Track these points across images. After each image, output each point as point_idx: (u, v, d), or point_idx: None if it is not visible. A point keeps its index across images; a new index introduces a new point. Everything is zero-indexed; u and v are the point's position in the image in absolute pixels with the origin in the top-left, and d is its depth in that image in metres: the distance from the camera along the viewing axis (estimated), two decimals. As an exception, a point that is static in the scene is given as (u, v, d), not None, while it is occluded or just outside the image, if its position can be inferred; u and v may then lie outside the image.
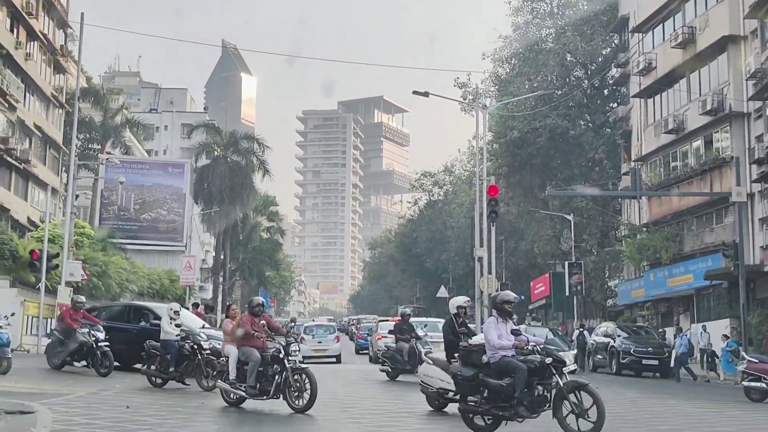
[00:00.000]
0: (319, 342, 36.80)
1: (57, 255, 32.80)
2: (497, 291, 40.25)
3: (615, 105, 56.81)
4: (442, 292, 63.73)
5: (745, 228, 35.25)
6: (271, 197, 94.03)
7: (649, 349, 33.10)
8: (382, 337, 30.41)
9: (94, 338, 21.05)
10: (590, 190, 49.33)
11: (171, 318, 19.74)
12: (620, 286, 52.89)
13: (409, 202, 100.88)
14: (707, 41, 39.52)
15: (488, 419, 12.10)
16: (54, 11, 53.39)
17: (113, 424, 13.06)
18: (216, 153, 67.83)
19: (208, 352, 18.90)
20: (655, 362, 32.66)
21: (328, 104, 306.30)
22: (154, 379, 19.61)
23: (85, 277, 35.24)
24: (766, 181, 35.96)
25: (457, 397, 12.91)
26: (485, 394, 11.92)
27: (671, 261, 43.27)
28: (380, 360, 24.53)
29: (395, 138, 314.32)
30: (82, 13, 35.02)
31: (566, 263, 53.39)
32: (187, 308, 29.12)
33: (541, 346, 11.88)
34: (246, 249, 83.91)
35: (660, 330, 41.73)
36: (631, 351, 32.83)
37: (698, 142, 41.41)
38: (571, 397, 11.42)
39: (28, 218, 51.04)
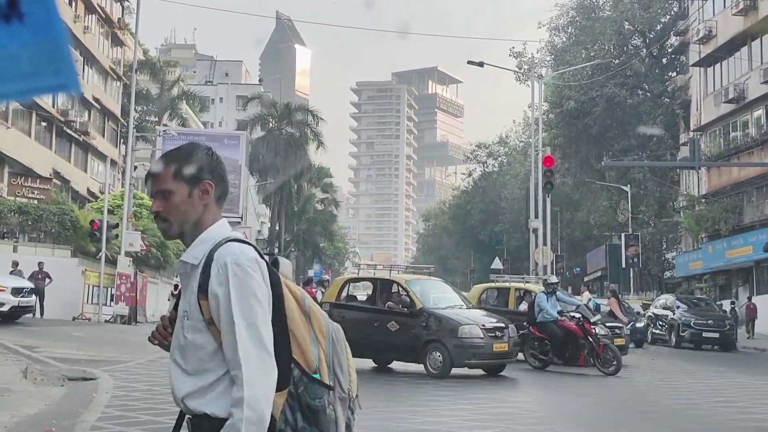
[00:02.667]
0: None
1: (116, 225, 33.37)
2: (552, 263, 40.06)
3: (674, 74, 55.82)
4: (497, 264, 63.49)
5: (808, 199, 34.53)
6: (325, 169, 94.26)
7: (710, 321, 32.57)
8: None
9: None
10: (648, 162, 48.64)
11: None
12: (678, 258, 52.22)
13: (463, 174, 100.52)
14: (770, 8, 38.58)
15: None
16: (111, -16, 53.97)
17: (172, 391, 13.30)
18: (270, 125, 68.21)
19: None
20: (716, 335, 32.15)
21: (383, 75, 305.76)
22: None
23: (144, 248, 35.81)
24: (830, 151, 35.14)
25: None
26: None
27: (730, 233, 42.58)
28: None
29: (449, 109, 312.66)
30: (139, -14, 35.36)
31: (623, 235, 52.80)
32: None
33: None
34: (301, 220, 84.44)
35: (717, 303, 41.16)
36: (691, 324, 32.30)
37: (759, 112, 40.56)
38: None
39: (88, 189, 51.94)
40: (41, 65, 1.60)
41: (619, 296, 32.46)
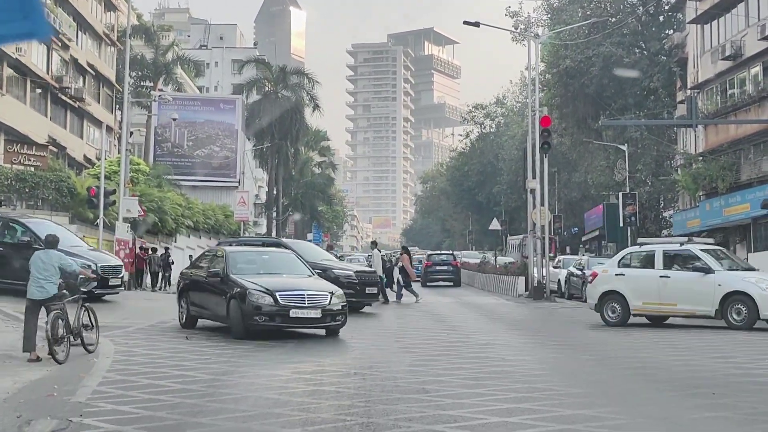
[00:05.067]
0: None
1: (114, 192, 33.34)
2: (550, 223, 40.13)
3: (671, 32, 55.49)
4: (495, 225, 63.64)
5: (805, 156, 34.50)
6: (322, 132, 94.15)
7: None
8: None
9: None
10: (645, 121, 48.52)
11: None
12: (675, 216, 52.30)
13: (461, 135, 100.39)
14: (767, -37, 38.28)
15: None
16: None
17: (173, 354, 13.41)
18: (266, 89, 67.98)
19: None
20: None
21: (378, 37, 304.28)
22: None
23: (142, 213, 35.82)
24: (828, 107, 35.06)
25: None
26: None
27: (728, 190, 42.61)
28: None
29: (446, 70, 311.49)
30: (131, -50, 35.02)
31: (620, 194, 52.83)
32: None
33: None
34: (298, 184, 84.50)
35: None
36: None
37: (756, 69, 40.40)
38: None
39: (84, 156, 51.88)
40: (8, 12, 1.61)
41: (410, 252, 33.88)
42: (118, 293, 23.68)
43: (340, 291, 16.73)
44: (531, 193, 37.29)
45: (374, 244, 34.42)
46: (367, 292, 23.50)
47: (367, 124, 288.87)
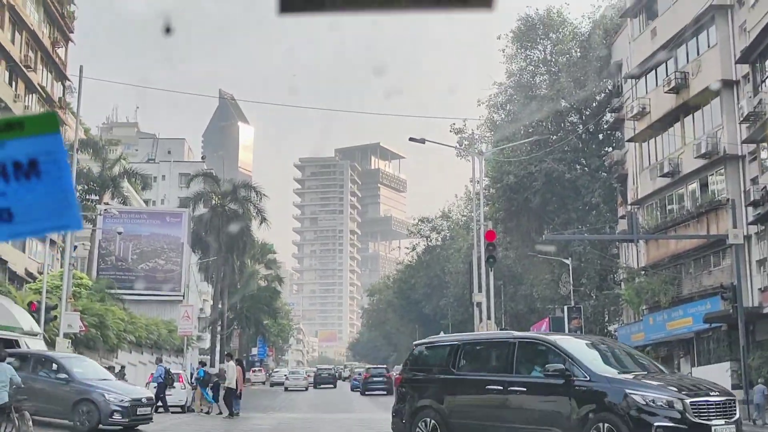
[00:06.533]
0: None
1: (55, 306, 32.78)
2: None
3: (610, 149, 57.11)
4: (442, 339, 63.46)
5: (743, 270, 35.24)
6: (268, 245, 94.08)
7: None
8: None
9: None
10: (587, 235, 49.42)
11: None
12: (620, 330, 52.70)
13: (407, 248, 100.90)
14: (700, 86, 39.88)
15: None
16: (52, 64, 53.90)
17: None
18: (214, 202, 68.03)
19: None
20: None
21: (326, 151, 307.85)
22: None
23: (83, 329, 35.16)
24: (762, 222, 36.06)
25: None
26: None
27: (670, 304, 43.19)
28: None
29: (392, 184, 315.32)
30: (81, 66, 35.43)
31: (565, 307, 53.27)
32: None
33: None
34: (244, 298, 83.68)
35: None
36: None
37: (694, 185, 41.59)
38: None
39: (26, 270, 50.98)
40: (50, 210, 1.96)
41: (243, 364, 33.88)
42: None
43: None
44: (477, 306, 37.47)
45: (229, 356, 34.18)
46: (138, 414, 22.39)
47: (314, 236, 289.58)
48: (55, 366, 22.31)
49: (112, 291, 53.35)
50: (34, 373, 21.62)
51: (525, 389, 13.37)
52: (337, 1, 1.81)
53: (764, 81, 35.34)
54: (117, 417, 21.14)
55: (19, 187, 1.94)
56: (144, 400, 22.66)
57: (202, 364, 38.25)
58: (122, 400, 21.41)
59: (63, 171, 1.98)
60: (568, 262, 52.57)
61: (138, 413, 21.92)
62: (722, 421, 12.26)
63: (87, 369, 23.15)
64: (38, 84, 51.27)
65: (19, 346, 25.12)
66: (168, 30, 26.16)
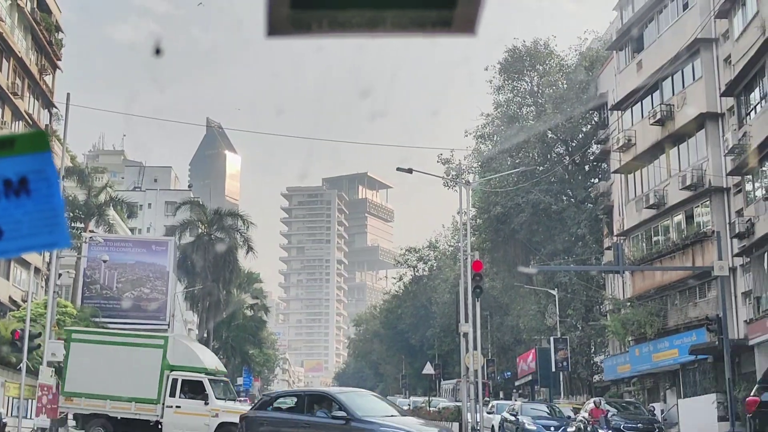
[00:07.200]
0: None
1: (39, 335, 32.52)
2: (483, 367, 40.10)
3: (596, 180, 57.44)
4: (428, 369, 63.26)
5: (729, 302, 35.37)
6: (255, 274, 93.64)
7: (639, 425, 32.85)
8: None
9: None
10: (573, 266, 49.52)
11: None
12: (606, 361, 52.70)
13: (394, 278, 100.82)
14: (685, 118, 40.19)
15: None
16: (39, 92, 53.90)
17: None
18: (200, 230, 67.86)
19: None
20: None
21: (313, 181, 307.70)
22: None
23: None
24: (747, 255, 36.22)
25: None
26: None
27: (656, 336, 43.23)
28: None
29: (379, 214, 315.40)
30: (68, 94, 35.43)
31: (551, 338, 53.26)
32: None
33: None
34: (229, 327, 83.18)
35: (650, 406, 41.48)
36: (621, 427, 32.56)
37: (679, 217, 41.79)
38: None
39: (10, 297, 50.63)
40: (39, 227, 1.98)
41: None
42: None
43: None
44: (464, 336, 37.36)
45: None
46: None
47: (301, 266, 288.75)
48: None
49: (97, 319, 52.98)
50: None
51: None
52: (323, 24, 1.84)
53: (748, 114, 35.67)
54: None
55: (8, 204, 1.96)
56: None
57: None
58: None
59: (53, 189, 2.00)
60: (554, 292, 52.63)
61: None
62: None
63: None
64: (25, 111, 51.21)
65: (204, 388, 25.24)
66: (158, 51, 26.18)
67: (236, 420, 23.54)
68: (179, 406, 25.52)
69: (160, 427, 25.80)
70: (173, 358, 26.29)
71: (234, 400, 27.10)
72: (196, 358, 26.90)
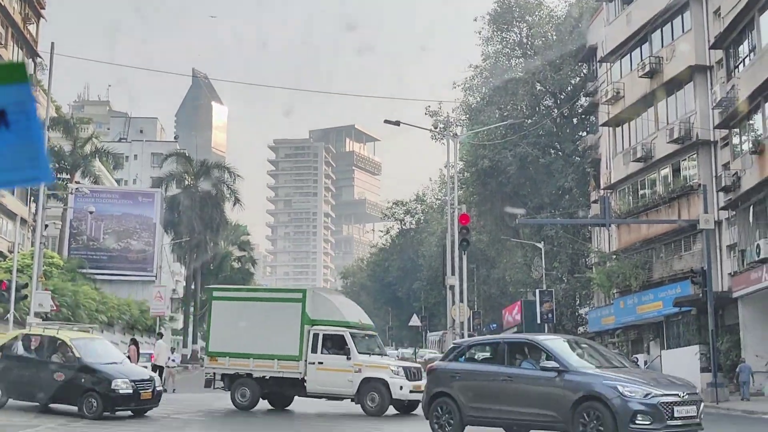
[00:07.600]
0: None
1: (26, 285, 32.50)
2: (469, 319, 40.36)
3: (584, 134, 57.38)
4: (415, 321, 63.71)
5: (713, 255, 35.60)
6: (242, 226, 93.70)
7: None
8: None
9: None
10: (560, 219, 49.67)
11: None
12: (591, 313, 53.13)
13: (381, 231, 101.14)
14: (674, 71, 40.06)
15: None
16: (23, 41, 53.24)
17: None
18: (186, 182, 67.66)
19: None
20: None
21: (300, 133, 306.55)
22: None
23: (54, 308, 34.92)
24: (733, 208, 36.38)
25: None
26: None
27: (641, 288, 43.54)
28: None
29: (367, 167, 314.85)
30: (53, 43, 35.00)
31: (537, 291, 53.58)
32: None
33: None
34: (217, 279, 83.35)
35: (633, 357, 41.92)
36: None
37: (666, 170, 41.86)
38: None
39: (-4, 248, 50.50)
40: (21, 161, 1.97)
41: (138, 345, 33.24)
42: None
43: None
44: (450, 289, 37.60)
45: (160, 335, 34.47)
46: None
47: (288, 219, 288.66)
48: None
49: (84, 270, 53.02)
50: None
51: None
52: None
53: (737, 67, 35.59)
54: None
55: None
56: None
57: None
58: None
59: (32, 122, 1.96)
60: (540, 245, 52.85)
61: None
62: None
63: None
64: (8, 60, 50.58)
65: (346, 342, 24.27)
66: None
67: (381, 375, 23.54)
68: (321, 362, 24.42)
69: (304, 385, 24.69)
70: (313, 312, 25.12)
71: (381, 355, 25.87)
72: (337, 311, 25.76)
